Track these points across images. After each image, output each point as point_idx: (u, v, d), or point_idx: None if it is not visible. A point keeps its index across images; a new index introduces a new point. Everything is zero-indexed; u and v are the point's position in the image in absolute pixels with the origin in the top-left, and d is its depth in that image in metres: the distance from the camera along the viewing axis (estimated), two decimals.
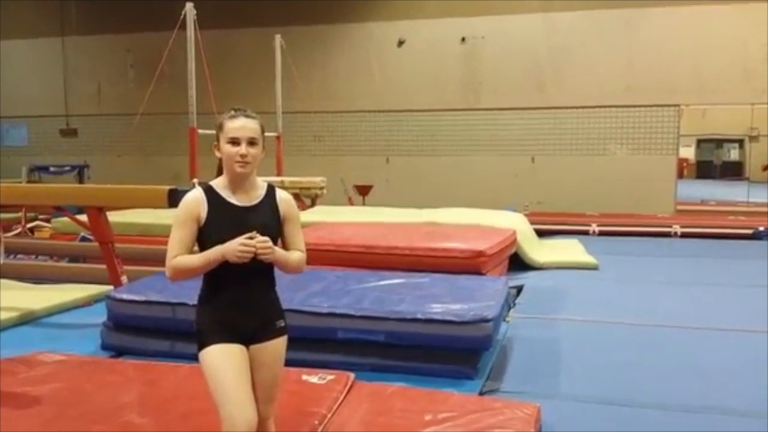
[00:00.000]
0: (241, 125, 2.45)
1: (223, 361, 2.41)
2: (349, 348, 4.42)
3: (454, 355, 4.33)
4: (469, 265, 6.35)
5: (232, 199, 2.48)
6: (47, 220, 10.39)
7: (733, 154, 17.90)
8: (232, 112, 2.49)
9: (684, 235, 11.11)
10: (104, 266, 6.26)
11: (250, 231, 2.38)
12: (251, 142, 2.45)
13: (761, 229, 10.94)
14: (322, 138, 14.43)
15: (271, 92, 11.79)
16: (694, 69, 12.49)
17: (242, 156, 2.43)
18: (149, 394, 3.63)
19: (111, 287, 5.83)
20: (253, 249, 2.35)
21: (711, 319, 5.83)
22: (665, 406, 3.89)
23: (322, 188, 11.06)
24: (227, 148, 2.45)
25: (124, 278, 5.98)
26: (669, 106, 12.73)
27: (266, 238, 2.38)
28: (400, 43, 13.92)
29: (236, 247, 2.34)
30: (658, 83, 12.66)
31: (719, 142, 17.43)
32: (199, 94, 9.22)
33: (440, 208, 9.94)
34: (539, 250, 8.70)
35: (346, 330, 4.43)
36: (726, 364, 4.71)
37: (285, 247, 2.58)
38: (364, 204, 12.78)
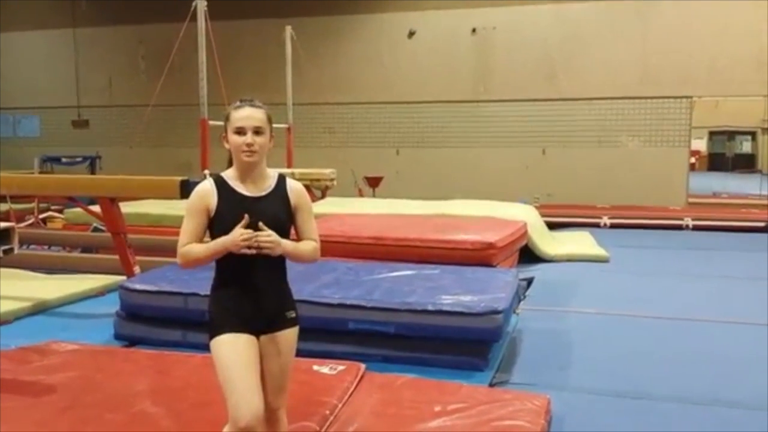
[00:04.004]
0: (246, 115, 2.46)
1: (232, 351, 2.42)
2: (359, 339, 4.44)
3: (465, 346, 4.34)
4: (479, 256, 6.36)
5: (242, 190, 2.48)
6: (60, 211, 10.45)
7: (746, 146, 17.74)
8: (238, 103, 2.50)
9: (696, 228, 11.07)
10: (117, 256, 6.31)
11: (260, 221, 2.39)
12: (257, 131, 2.45)
13: None
14: (332, 130, 14.42)
15: (281, 84, 11.79)
16: (707, 60, 12.38)
17: (248, 145, 2.43)
18: (161, 383, 3.66)
19: (123, 277, 5.88)
20: (255, 241, 2.35)
21: (722, 312, 5.82)
22: (676, 398, 3.89)
23: (332, 180, 11.06)
24: (234, 138, 2.46)
25: (136, 268, 6.03)
26: (681, 97, 12.64)
27: (270, 233, 2.38)
28: (411, 34, 13.88)
29: (237, 238, 2.35)
30: (671, 75, 12.57)
31: (731, 134, 17.28)
32: (210, 85, 9.23)
33: (451, 200, 9.94)
34: (550, 243, 8.68)
35: (357, 321, 4.44)
36: (737, 356, 4.70)
37: (298, 236, 2.59)
38: (374, 196, 12.78)
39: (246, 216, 2.37)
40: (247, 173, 2.49)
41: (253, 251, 2.36)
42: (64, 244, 8.65)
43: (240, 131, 2.44)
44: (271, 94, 10.63)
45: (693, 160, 16.87)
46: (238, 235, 2.35)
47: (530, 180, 13.12)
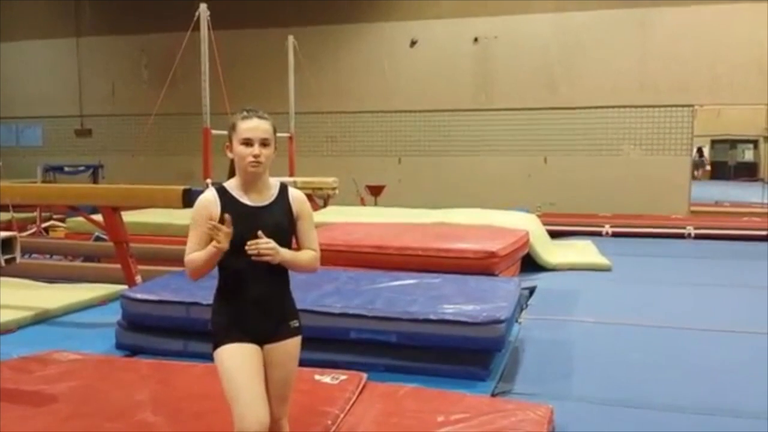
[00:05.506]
0: (254, 126, 2.46)
1: (237, 361, 2.42)
2: (361, 348, 4.43)
3: (467, 356, 4.32)
4: (481, 265, 6.34)
5: (245, 200, 2.49)
6: (62, 220, 10.47)
7: (748, 155, 17.76)
8: (245, 113, 2.50)
9: (698, 237, 11.05)
10: (119, 266, 6.31)
11: (263, 230, 2.39)
12: (264, 143, 2.46)
13: None
14: (334, 138, 14.45)
15: (283, 93, 11.82)
16: (708, 69, 12.40)
17: (255, 156, 2.44)
18: (163, 393, 3.65)
19: (125, 286, 5.87)
20: (255, 248, 2.36)
21: (724, 321, 5.80)
22: (678, 408, 3.87)
23: (334, 188, 11.08)
24: (240, 149, 2.46)
25: (138, 278, 6.02)
26: (683, 106, 12.66)
27: (269, 240, 2.39)
28: (413, 43, 13.92)
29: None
30: (672, 83, 12.59)
31: (733, 143, 17.30)
32: (212, 94, 9.26)
33: (452, 209, 9.93)
34: (552, 251, 8.67)
35: (359, 330, 4.43)
36: (739, 366, 4.68)
37: (298, 245, 2.59)
38: (376, 204, 12.79)
39: (228, 218, 2.36)
40: (250, 183, 2.50)
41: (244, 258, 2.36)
42: (66, 254, 8.65)
43: (247, 142, 2.45)
44: (273, 103, 10.69)
45: (707, 167, 16.88)
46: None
47: (532, 188, 13.12)
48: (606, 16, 12.88)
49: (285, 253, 2.45)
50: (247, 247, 2.36)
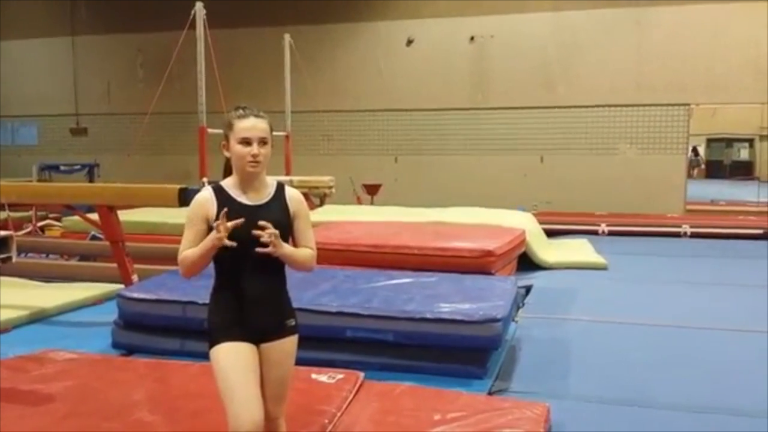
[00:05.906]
0: (251, 125, 2.45)
1: (232, 360, 2.42)
2: (358, 347, 4.43)
3: (463, 354, 4.33)
4: (478, 264, 6.36)
5: (242, 198, 2.48)
6: (58, 219, 10.45)
7: (743, 154, 17.76)
8: (240, 111, 2.48)
9: (694, 235, 11.08)
10: (115, 265, 6.30)
11: (260, 229, 2.39)
12: (262, 142, 2.46)
13: None
14: (330, 137, 14.43)
15: (279, 91, 11.81)
16: (704, 68, 12.42)
17: (254, 156, 2.43)
18: (159, 391, 3.65)
19: (121, 286, 5.87)
20: (263, 233, 2.35)
21: (721, 320, 5.81)
22: (675, 406, 3.88)
23: (330, 187, 11.07)
24: (238, 149, 2.45)
25: (134, 277, 6.02)
26: (679, 105, 12.68)
27: (274, 230, 2.38)
28: (409, 42, 13.91)
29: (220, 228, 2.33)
30: (669, 82, 12.60)
31: (729, 142, 17.30)
32: (208, 93, 9.25)
33: (449, 208, 9.94)
34: (548, 250, 8.68)
35: (355, 329, 4.43)
36: (736, 364, 4.70)
37: (295, 244, 2.58)
38: (372, 203, 12.78)
39: (225, 211, 2.34)
40: (248, 182, 2.50)
41: (238, 249, 2.36)
42: (62, 253, 8.63)
43: (246, 142, 2.44)
44: (269, 101, 10.69)
45: (702, 166, 16.87)
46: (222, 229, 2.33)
47: (528, 187, 13.13)
48: (602, 15, 12.89)
49: (285, 248, 2.46)
50: (254, 232, 2.34)
